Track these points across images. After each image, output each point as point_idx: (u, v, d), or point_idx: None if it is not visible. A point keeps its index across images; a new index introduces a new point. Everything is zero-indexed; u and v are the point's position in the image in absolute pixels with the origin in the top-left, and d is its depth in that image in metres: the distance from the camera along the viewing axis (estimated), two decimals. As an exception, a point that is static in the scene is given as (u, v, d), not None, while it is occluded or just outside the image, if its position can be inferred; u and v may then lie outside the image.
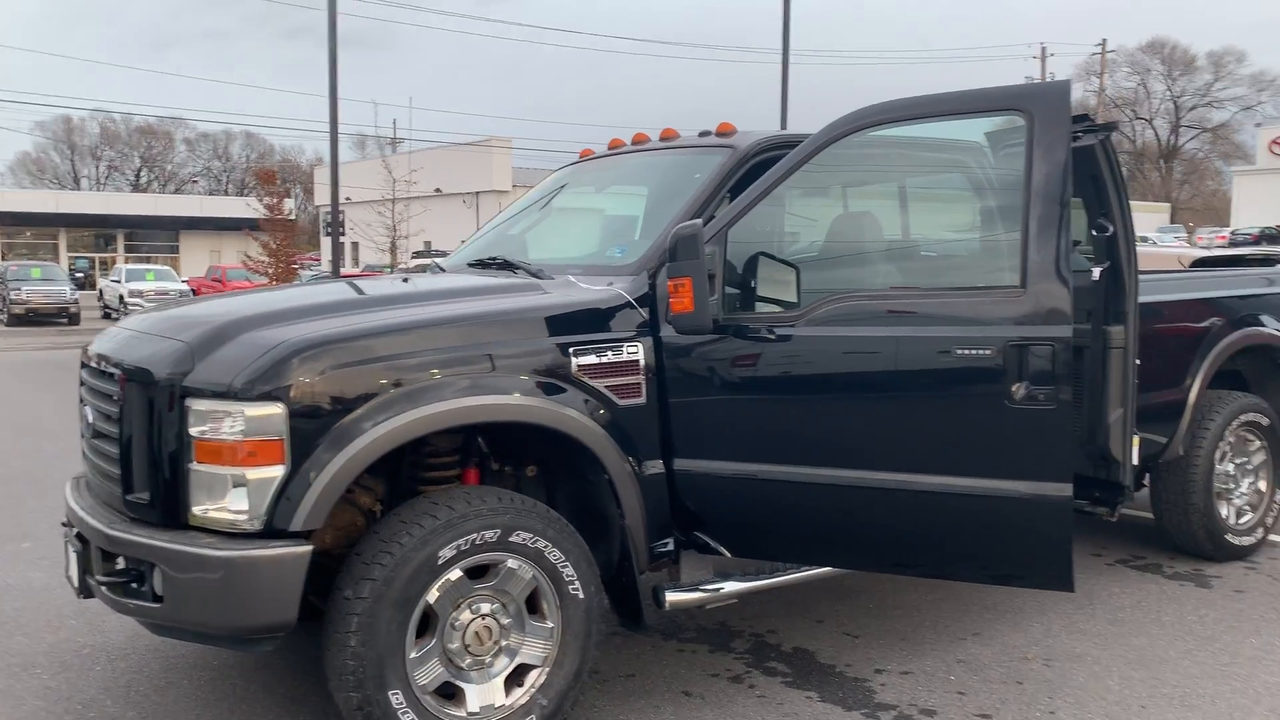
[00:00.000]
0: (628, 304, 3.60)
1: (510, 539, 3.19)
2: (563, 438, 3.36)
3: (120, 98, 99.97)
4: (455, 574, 3.14)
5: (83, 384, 3.65)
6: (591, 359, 3.44)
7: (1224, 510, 5.32)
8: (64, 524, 3.61)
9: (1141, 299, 4.28)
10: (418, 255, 30.97)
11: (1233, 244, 32.56)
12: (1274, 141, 49.58)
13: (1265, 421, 5.40)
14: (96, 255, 56.16)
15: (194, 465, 3.00)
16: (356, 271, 31.41)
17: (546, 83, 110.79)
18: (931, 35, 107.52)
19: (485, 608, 3.24)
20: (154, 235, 57.42)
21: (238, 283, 30.19)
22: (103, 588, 3.19)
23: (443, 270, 4.72)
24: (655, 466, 3.55)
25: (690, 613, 4.29)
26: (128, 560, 3.11)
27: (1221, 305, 5.30)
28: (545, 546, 3.25)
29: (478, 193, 47.58)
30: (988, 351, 3.27)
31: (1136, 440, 4.28)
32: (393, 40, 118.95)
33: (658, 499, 3.55)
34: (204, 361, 3.08)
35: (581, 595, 3.33)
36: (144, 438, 3.14)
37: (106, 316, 30.87)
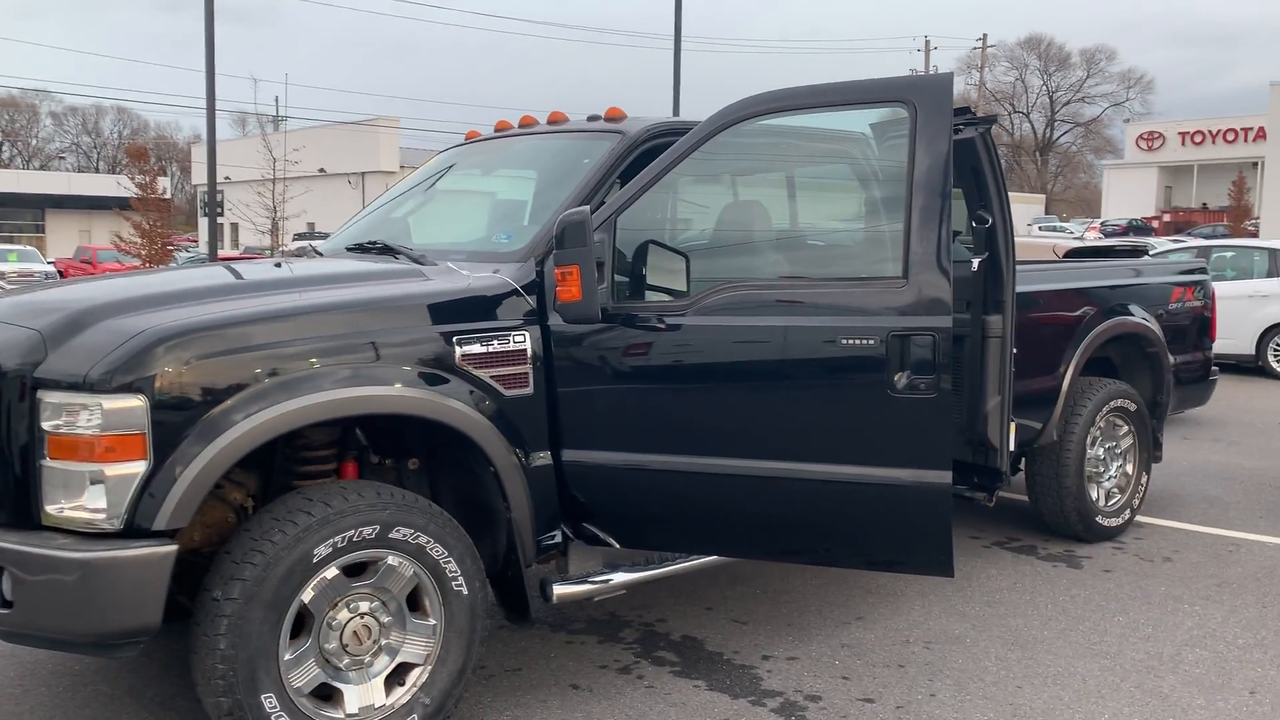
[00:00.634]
0: (514, 291, 3.52)
1: (390, 535, 3.09)
2: (446, 429, 3.27)
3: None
4: (332, 572, 3.03)
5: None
6: (476, 348, 3.35)
7: (1094, 493, 5.52)
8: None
9: (1018, 289, 4.39)
10: (299, 237, 30.13)
11: (1108, 234, 34.12)
12: (1141, 136, 52.00)
13: (1133, 407, 5.62)
14: (-47, 234, 53.13)
15: (47, 462, 2.82)
16: (236, 254, 30.40)
17: (437, 63, 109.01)
18: (824, 25, 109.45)
19: (364, 606, 3.13)
20: (17, 214, 54.52)
21: (109, 264, 28.94)
22: (-54, 592, 2.97)
23: (320, 255, 4.55)
24: (543, 458, 3.49)
25: (579, 603, 4.25)
26: (-26, 563, 2.91)
27: (1094, 295, 5.49)
28: (427, 542, 3.15)
29: (363, 173, 46.61)
30: (871, 341, 3.30)
31: (1013, 427, 4.39)
32: (277, 16, 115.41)
33: (545, 491, 3.49)
34: (58, 351, 2.90)
35: (465, 591, 3.25)
36: (-9, 432, 2.93)
37: (-35, 299, 29.16)
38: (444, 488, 3.66)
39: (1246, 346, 12.33)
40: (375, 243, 4.17)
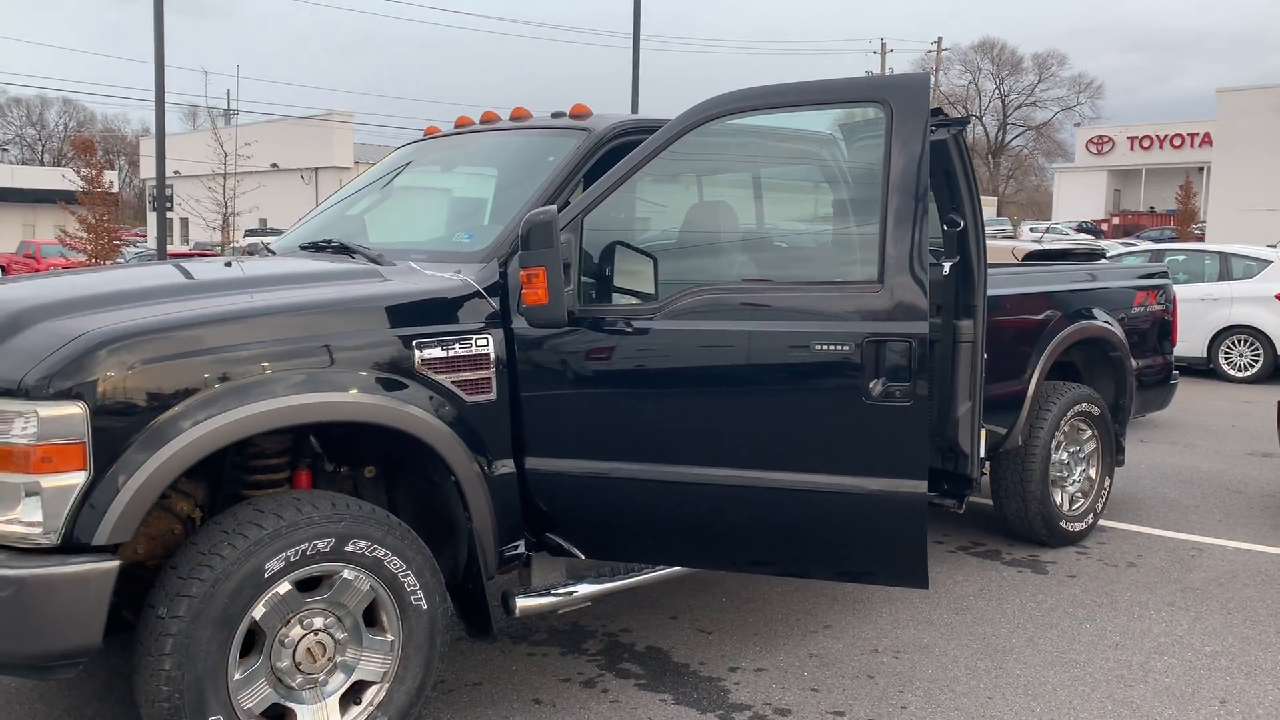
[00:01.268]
0: (476, 294, 3.39)
1: (345, 548, 2.95)
2: (405, 437, 3.13)
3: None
4: (284, 587, 2.88)
5: None
6: (437, 352, 3.22)
7: (1058, 497, 5.50)
8: None
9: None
10: (251, 234, 29.61)
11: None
12: (1091, 140, 52.79)
13: (1096, 411, 5.61)
14: (-111, 227, 51.51)
15: (-23, 473, 2.64)
16: (186, 250, 29.81)
17: (394, 58, 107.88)
18: (783, 26, 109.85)
19: (318, 622, 2.98)
20: (-43, 206, 53.05)
21: (53, 259, 28.24)
22: None
23: (273, 253, 4.38)
24: (505, 466, 3.36)
25: (542, 614, 4.13)
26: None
27: (1058, 299, 5.47)
28: (384, 555, 3.02)
29: (317, 169, 46.00)
30: (845, 347, 3.21)
31: (983, 433, 4.34)
32: (233, 8, 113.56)
33: (508, 500, 3.37)
34: None
35: (424, 606, 3.11)
36: (-82, 441, 2.75)
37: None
38: (402, 497, 3.52)
39: (1198, 349, 12.47)
40: (331, 241, 4.02)
